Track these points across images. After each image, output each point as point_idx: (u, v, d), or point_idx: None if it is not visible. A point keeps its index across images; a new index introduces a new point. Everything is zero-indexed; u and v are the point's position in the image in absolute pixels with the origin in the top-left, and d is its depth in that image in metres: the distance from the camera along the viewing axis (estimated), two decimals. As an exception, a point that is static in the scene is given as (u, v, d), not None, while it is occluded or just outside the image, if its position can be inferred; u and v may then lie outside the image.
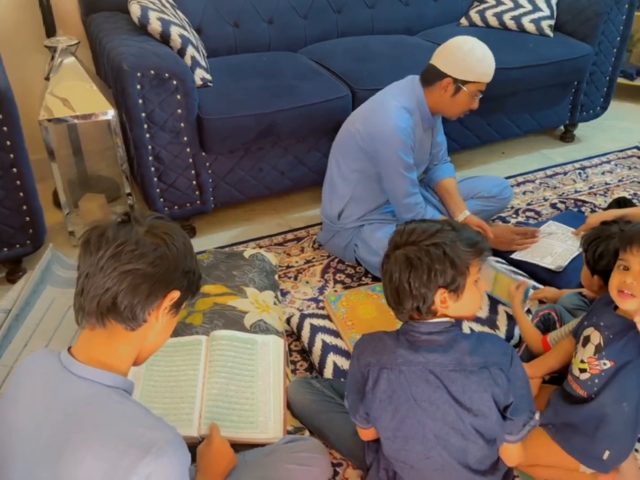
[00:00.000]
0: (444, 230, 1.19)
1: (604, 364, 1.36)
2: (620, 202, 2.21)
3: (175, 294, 1.04)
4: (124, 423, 0.94)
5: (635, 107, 3.58)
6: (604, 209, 2.36)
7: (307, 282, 2.19)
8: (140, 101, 2.05)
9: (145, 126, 2.11)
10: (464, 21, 3.02)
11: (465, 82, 1.94)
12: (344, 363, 1.73)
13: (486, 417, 1.19)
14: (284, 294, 2.13)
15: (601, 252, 1.48)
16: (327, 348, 1.76)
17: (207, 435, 1.42)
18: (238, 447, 1.44)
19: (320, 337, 1.80)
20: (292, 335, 1.93)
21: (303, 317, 1.89)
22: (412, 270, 1.16)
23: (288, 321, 1.94)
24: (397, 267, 1.18)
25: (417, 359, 1.20)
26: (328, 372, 1.71)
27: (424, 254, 1.16)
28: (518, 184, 2.81)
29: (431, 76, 1.98)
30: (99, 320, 1.00)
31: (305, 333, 1.84)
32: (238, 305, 1.83)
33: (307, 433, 1.57)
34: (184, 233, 1.10)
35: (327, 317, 1.89)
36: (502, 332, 1.85)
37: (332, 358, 1.73)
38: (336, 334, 1.82)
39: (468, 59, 1.92)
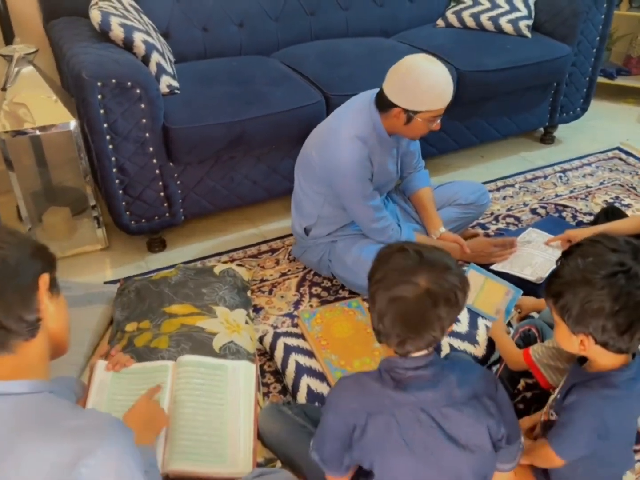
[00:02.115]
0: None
1: (551, 414, 1.32)
2: (609, 212, 2.13)
3: (45, 278, 0.98)
4: (53, 424, 0.90)
5: (616, 107, 3.54)
6: (593, 220, 2.29)
7: (282, 297, 2.11)
8: (101, 111, 1.95)
9: (108, 137, 2.01)
10: (440, 22, 2.96)
11: (416, 112, 1.79)
12: (318, 386, 1.65)
13: (482, 451, 1.12)
14: (258, 309, 2.04)
15: None
16: (300, 370, 1.68)
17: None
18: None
19: (294, 358, 1.72)
20: (265, 354, 1.85)
21: (276, 335, 1.81)
22: (453, 300, 1.07)
23: (261, 340, 1.85)
24: (425, 295, 1.06)
25: (408, 399, 1.10)
26: (302, 396, 1.63)
27: (451, 282, 1.07)
28: (498, 189, 2.75)
29: (382, 103, 1.84)
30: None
31: (279, 353, 1.75)
32: (207, 326, 1.74)
33: (278, 464, 1.48)
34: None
35: (301, 335, 1.81)
36: (482, 347, 1.78)
37: (306, 381, 1.65)
38: (310, 354, 1.74)
39: (417, 89, 1.74)
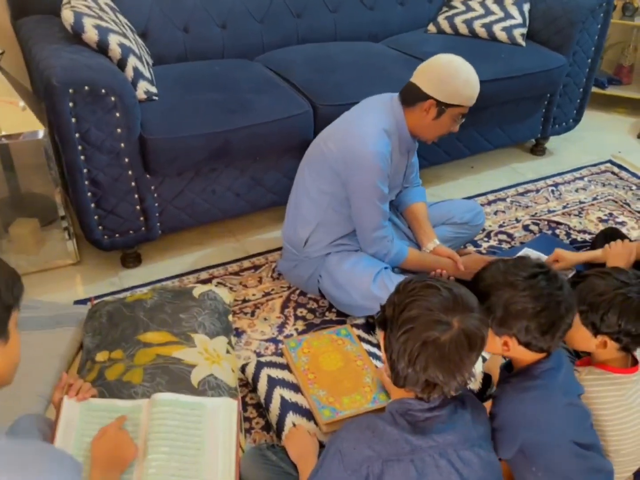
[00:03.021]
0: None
1: None
2: (607, 235, 2.05)
3: None
4: None
5: (607, 117, 3.47)
6: (591, 242, 2.20)
7: (266, 319, 1.99)
8: (73, 120, 1.81)
9: (80, 147, 1.86)
10: (431, 28, 2.85)
11: (449, 105, 1.77)
12: (305, 424, 1.53)
13: None
14: (239, 333, 1.92)
15: (615, 313, 1.29)
16: (286, 406, 1.56)
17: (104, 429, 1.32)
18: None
19: (278, 392, 1.60)
20: (247, 385, 1.73)
21: (260, 365, 1.69)
22: (482, 342, 1.04)
23: (243, 369, 1.73)
24: (460, 337, 1.01)
25: (428, 444, 1.05)
26: (287, 436, 1.51)
27: (479, 322, 1.04)
28: (489, 203, 2.66)
29: (412, 96, 1.80)
30: None
31: (262, 386, 1.63)
32: (184, 356, 1.61)
33: (262, 514, 1.37)
34: None
35: (286, 366, 1.69)
36: (477, 381, 1.68)
37: (291, 418, 1.53)
38: (297, 388, 1.62)
39: (454, 81, 1.75)
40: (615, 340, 1.30)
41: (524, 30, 2.72)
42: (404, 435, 1.05)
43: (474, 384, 1.67)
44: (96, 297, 2.01)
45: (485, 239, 2.42)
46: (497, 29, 2.71)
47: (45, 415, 1.55)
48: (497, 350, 1.23)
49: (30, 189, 2.49)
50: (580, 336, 1.33)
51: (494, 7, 2.75)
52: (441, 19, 2.83)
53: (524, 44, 2.71)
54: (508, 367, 1.29)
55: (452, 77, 1.75)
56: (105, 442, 1.32)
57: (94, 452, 1.31)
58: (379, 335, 1.14)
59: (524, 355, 1.22)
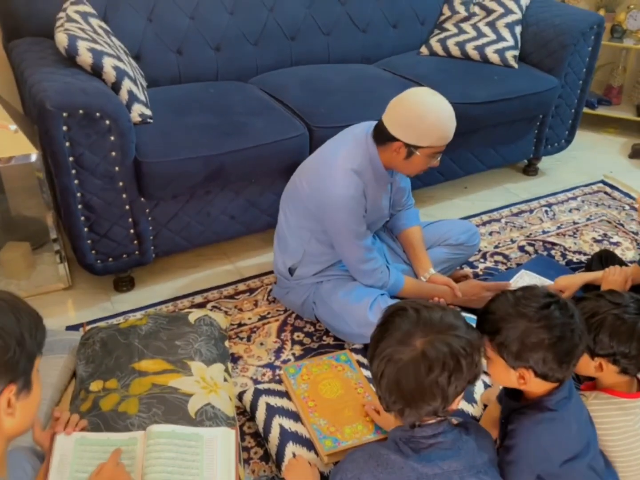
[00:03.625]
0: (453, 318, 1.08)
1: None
2: (602, 257, 2.06)
3: (11, 388, 0.91)
4: None
5: (597, 137, 3.50)
6: (587, 264, 2.20)
7: (262, 344, 1.96)
8: (67, 144, 1.78)
9: (74, 171, 1.84)
10: (424, 50, 2.86)
11: (418, 147, 1.70)
12: (305, 455, 1.49)
13: None
14: (235, 359, 1.89)
15: (597, 331, 1.30)
16: (286, 435, 1.53)
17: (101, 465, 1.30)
18: None
19: (277, 422, 1.56)
20: (245, 413, 1.69)
21: (258, 393, 1.66)
22: (454, 366, 1.01)
23: (240, 397, 1.70)
24: (419, 359, 1.00)
25: (434, 471, 1.04)
26: (287, 467, 1.47)
27: (453, 346, 1.02)
28: (484, 223, 2.66)
29: (381, 136, 1.74)
30: None
31: (260, 415, 1.60)
32: (181, 385, 1.57)
33: None
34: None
35: (285, 393, 1.66)
36: (479, 407, 1.66)
37: (291, 449, 1.50)
38: (296, 417, 1.59)
39: (422, 124, 1.65)
40: (613, 362, 1.30)
41: (516, 53, 2.74)
42: (409, 463, 1.04)
43: (476, 410, 1.64)
44: (88, 323, 1.98)
45: (482, 260, 2.41)
46: (489, 51, 2.73)
47: (36, 448, 1.51)
48: (513, 383, 1.21)
49: (21, 212, 2.45)
50: (581, 361, 1.32)
51: (486, 30, 2.77)
52: (433, 42, 2.84)
53: (516, 65, 2.73)
54: (515, 397, 1.27)
55: (420, 118, 1.65)
56: (103, 479, 1.28)
57: None
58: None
59: (539, 387, 1.21)
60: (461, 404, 1.64)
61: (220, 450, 1.40)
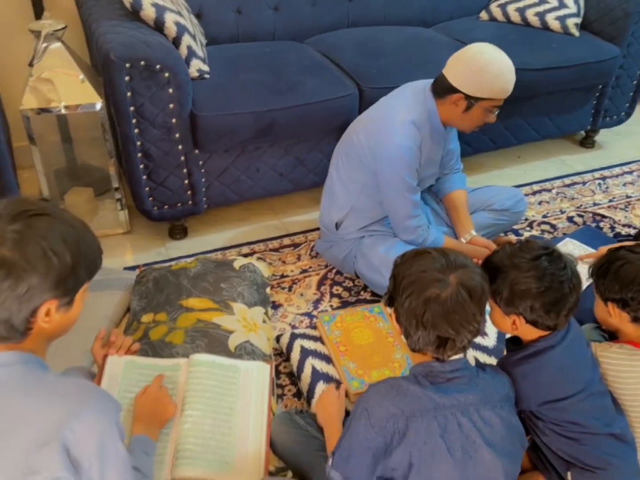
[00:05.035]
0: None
1: None
2: None
3: (53, 303, 0.99)
4: (40, 389, 0.96)
5: (661, 112, 3.37)
6: (635, 236, 2.17)
7: (302, 295, 2.05)
8: (128, 94, 1.90)
9: (134, 121, 1.95)
10: (484, 15, 2.83)
11: (478, 99, 1.74)
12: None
13: (515, 458, 1.17)
14: (276, 307, 1.99)
15: (613, 276, 1.35)
16: (317, 375, 1.62)
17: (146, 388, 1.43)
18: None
19: (310, 362, 1.66)
20: (282, 354, 1.80)
21: (293, 337, 1.75)
22: (485, 293, 1.13)
23: (278, 339, 1.80)
24: (459, 290, 1.08)
25: (451, 402, 1.11)
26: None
27: (477, 277, 1.12)
28: (534, 193, 2.64)
29: (442, 88, 1.78)
30: None
31: (295, 356, 1.70)
32: (223, 323, 1.69)
33: (289, 474, 1.43)
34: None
35: (319, 338, 1.75)
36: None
37: (322, 387, 1.60)
38: (328, 359, 1.68)
39: (482, 75, 1.70)
40: (622, 308, 1.33)
41: (578, 20, 2.67)
42: (427, 393, 1.10)
43: (489, 341, 1.70)
44: (144, 265, 2.11)
45: (528, 229, 2.41)
46: (550, 18, 2.67)
47: (91, 369, 1.66)
48: (508, 329, 1.28)
49: (86, 161, 2.61)
50: (600, 308, 1.40)
51: (549, -4, 2.71)
52: (493, 7, 2.80)
53: (577, 33, 2.67)
54: (513, 340, 1.34)
55: (482, 70, 1.69)
56: (147, 400, 1.40)
57: (137, 408, 1.39)
58: (391, 313, 1.20)
59: (532, 333, 1.27)
60: (490, 360, 1.71)
61: (255, 382, 1.51)
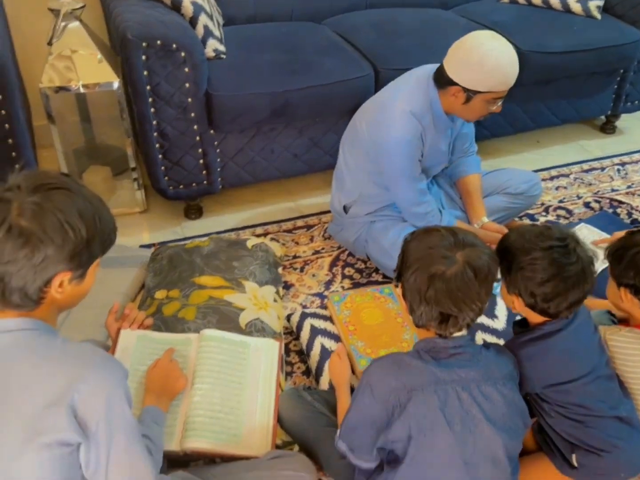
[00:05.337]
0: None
1: None
2: None
3: (66, 275, 1.01)
4: (47, 354, 0.99)
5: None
6: None
7: (314, 275, 2.06)
8: (145, 73, 1.92)
9: (150, 100, 1.97)
10: (504, -3, 2.79)
11: (476, 92, 1.70)
12: (342, 371, 1.60)
13: (516, 433, 1.18)
14: (288, 286, 2.01)
15: (628, 262, 1.33)
16: (326, 353, 1.64)
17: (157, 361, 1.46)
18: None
19: (319, 341, 1.68)
20: (292, 333, 1.82)
21: (304, 316, 1.77)
22: (491, 273, 1.13)
23: (288, 318, 1.82)
24: (465, 269, 1.09)
25: (451, 377, 1.13)
26: (325, 381, 1.59)
27: (485, 257, 1.12)
28: (551, 178, 2.62)
29: (441, 79, 1.74)
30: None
31: (305, 334, 1.72)
32: (235, 300, 1.71)
33: (296, 448, 1.46)
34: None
35: (329, 318, 1.77)
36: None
37: (330, 365, 1.61)
38: (337, 338, 1.70)
39: (480, 68, 1.64)
40: (634, 294, 1.33)
41: (600, 3, 2.62)
42: (429, 368, 1.12)
43: (498, 323, 1.72)
44: (159, 244, 2.15)
45: (543, 214, 2.39)
46: (572, 1, 2.62)
47: (106, 343, 1.69)
48: (509, 305, 1.30)
49: (104, 140, 2.65)
50: (612, 290, 1.39)
51: (571, -23, 2.66)
52: (515, -12, 2.76)
53: (599, 17, 2.62)
54: (520, 323, 1.34)
55: (478, 63, 1.64)
56: (158, 372, 1.44)
57: (148, 381, 1.43)
58: (398, 290, 1.21)
59: (537, 316, 1.27)
60: (484, 319, 1.74)
61: (264, 358, 1.54)
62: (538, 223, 2.32)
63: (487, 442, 1.13)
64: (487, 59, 1.64)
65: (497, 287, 1.77)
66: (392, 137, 1.77)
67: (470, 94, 1.71)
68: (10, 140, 1.86)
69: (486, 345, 1.23)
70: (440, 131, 1.89)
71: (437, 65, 1.82)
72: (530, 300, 1.23)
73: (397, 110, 1.77)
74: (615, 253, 1.37)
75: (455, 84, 1.70)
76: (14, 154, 1.88)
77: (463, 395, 1.12)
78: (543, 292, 1.20)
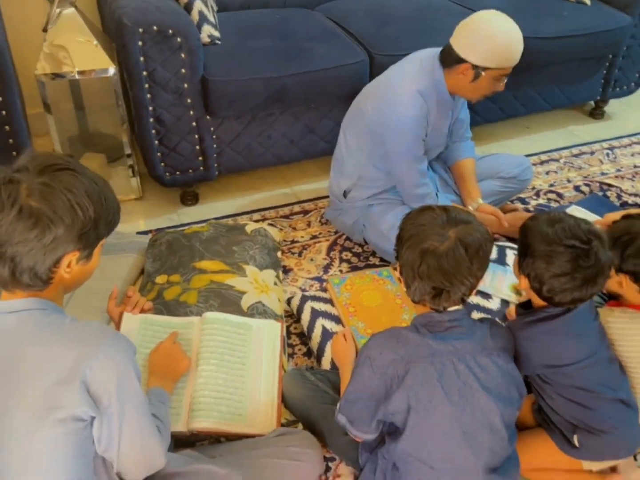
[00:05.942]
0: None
1: None
2: None
3: (75, 255, 1.03)
4: (57, 332, 1.01)
5: (672, 83, 3.35)
6: None
7: (312, 260, 2.09)
8: (141, 59, 1.92)
9: (146, 85, 1.97)
10: (495, -17, 2.81)
11: (485, 69, 1.74)
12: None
13: (512, 402, 1.20)
14: (287, 271, 2.03)
15: (636, 249, 1.36)
16: (326, 335, 1.67)
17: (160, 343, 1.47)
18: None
19: (320, 323, 1.71)
20: (292, 316, 1.84)
21: (304, 299, 1.80)
22: (484, 249, 1.15)
23: (289, 302, 1.84)
24: (456, 245, 1.12)
25: (447, 349, 1.16)
26: (326, 362, 1.62)
27: (478, 234, 1.15)
28: (541, 163, 2.66)
29: (449, 58, 1.78)
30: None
31: (306, 317, 1.74)
32: (236, 284, 1.73)
33: (300, 426, 1.49)
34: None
35: (329, 300, 1.79)
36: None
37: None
38: (337, 320, 1.73)
39: (489, 44, 1.69)
40: (634, 280, 1.36)
41: (591, -12, 2.66)
42: (425, 340, 1.16)
43: (492, 303, 1.78)
44: (156, 231, 2.16)
45: (534, 197, 2.43)
46: (562, -14, 2.65)
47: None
48: (517, 279, 1.33)
49: (98, 128, 2.64)
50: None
51: (561, -37, 2.69)
52: (505, -26, 2.78)
53: (589, 2, 2.65)
54: (524, 305, 1.38)
55: (488, 39, 1.69)
56: (161, 354, 1.45)
57: (151, 364, 1.44)
58: (397, 273, 1.24)
59: (534, 297, 1.31)
60: (479, 300, 1.79)
61: (266, 339, 1.56)
62: (529, 206, 2.35)
63: (484, 410, 1.16)
64: (497, 34, 1.69)
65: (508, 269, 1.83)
66: (401, 115, 1.79)
67: (479, 71, 1.75)
68: (7, 127, 1.85)
69: (481, 319, 1.27)
70: (442, 113, 1.92)
71: (438, 48, 1.85)
72: (535, 286, 1.26)
73: (405, 89, 1.80)
74: (618, 239, 1.38)
75: (465, 61, 1.74)
76: (11, 140, 1.88)
77: (459, 367, 1.15)
78: (551, 284, 1.23)
